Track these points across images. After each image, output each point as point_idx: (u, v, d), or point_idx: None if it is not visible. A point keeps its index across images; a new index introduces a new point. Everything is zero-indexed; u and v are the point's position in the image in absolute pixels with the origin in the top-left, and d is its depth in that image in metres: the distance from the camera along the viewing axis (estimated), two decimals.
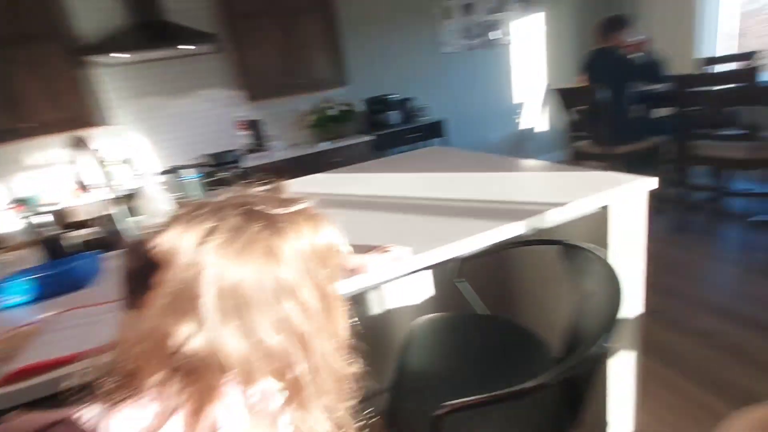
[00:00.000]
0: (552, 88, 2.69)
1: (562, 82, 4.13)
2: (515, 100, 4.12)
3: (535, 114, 4.25)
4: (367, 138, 2.98)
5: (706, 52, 3.50)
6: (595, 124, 2.49)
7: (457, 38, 3.69)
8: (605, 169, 2.46)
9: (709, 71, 3.05)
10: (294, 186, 1.62)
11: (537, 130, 4.31)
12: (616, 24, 2.52)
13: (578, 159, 2.75)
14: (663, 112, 2.75)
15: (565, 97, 2.60)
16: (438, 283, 1.36)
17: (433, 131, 3.30)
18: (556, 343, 0.88)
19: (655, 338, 1.55)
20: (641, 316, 1.12)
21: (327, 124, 3.01)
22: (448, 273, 1.32)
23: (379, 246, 0.83)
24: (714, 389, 1.30)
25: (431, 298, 1.37)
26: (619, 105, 2.47)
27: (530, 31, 3.98)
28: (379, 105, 3.22)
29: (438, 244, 0.83)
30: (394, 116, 3.20)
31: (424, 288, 1.35)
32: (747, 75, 1.82)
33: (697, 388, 1.31)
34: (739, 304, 1.67)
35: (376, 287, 1.20)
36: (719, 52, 3.51)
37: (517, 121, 4.20)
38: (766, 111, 2.70)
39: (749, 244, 2.10)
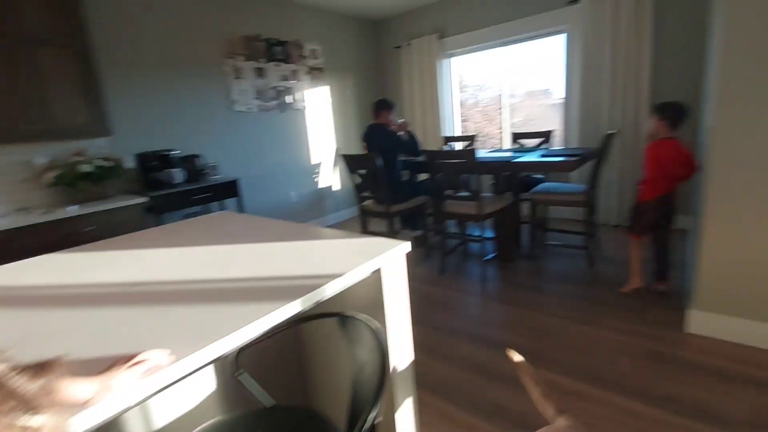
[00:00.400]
0: (339, 153, 2.98)
1: (351, 148, 4.71)
2: (313, 161, 4.39)
3: (331, 174, 4.63)
4: (139, 200, 2.50)
5: (447, 132, 4.71)
6: (375, 187, 2.87)
7: (251, 99, 3.70)
8: (387, 225, 2.81)
9: (447, 148, 4.09)
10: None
11: (334, 188, 4.68)
12: (383, 106, 3.06)
13: (365, 216, 3.09)
14: (424, 176, 3.47)
15: (349, 163, 2.92)
16: (219, 379, 1.18)
17: (225, 191, 3.09)
18: (342, 419, 0.87)
19: (431, 373, 1.79)
20: (412, 362, 1.26)
21: (77, 182, 2.38)
22: (226, 367, 1.17)
23: (125, 356, 0.64)
24: (479, 410, 1.56)
25: (212, 398, 1.17)
26: (391, 171, 2.95)
27: (320, 100, 4.41)
28: (155, 161, 2.80)
29: (207, 339, 0.70)
30: (176, 174, 2.84)
31: (202, 389, 1.15)
32: (468, 153, 2.49)
33: (467, 413, 1.55)
34: (483, 328, 2.14)
35: (129, 409, 0.93)
36: (456, 132, 4.80)
37: (315, 180, 4.45)
38: (482, 178, 3.71)
39: (485, 277, 2.78)
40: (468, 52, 4.43)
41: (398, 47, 4.82)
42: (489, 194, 2.96)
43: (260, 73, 3.77)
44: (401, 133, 3.13)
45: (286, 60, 3.98)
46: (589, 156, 2.75)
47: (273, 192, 3.98)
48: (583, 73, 3.56)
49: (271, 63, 3.86)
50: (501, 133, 4.44)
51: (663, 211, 2.19)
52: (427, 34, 4.51)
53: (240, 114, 3.64)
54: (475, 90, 4.93)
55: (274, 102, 3.91)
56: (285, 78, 3.99)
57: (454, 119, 4.75)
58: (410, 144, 2.99)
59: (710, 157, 1.75)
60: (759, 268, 1.71)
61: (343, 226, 4.47)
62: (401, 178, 3.06)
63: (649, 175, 2.18)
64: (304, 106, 4.22)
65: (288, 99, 4.01)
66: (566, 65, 3.77)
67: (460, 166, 2.55)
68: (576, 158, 2.53)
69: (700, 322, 1.89)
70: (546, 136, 3.58)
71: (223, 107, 3.52)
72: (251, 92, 3.70)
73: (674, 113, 2.08)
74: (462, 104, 4.86)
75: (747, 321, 1.78)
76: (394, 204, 2.92)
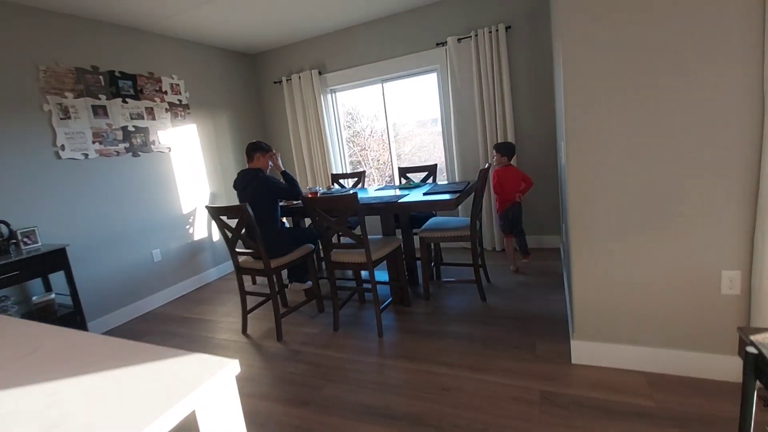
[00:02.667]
0: (207, 206, 2.53)
1: (229, 191, 4.21)
2: (185, 210, 3.77)
3: (208, 223, 4.04)
4: None
5: (336, 168, 4.54)
6: (252, 240, 2.48)
7: (87, 143, 3.02)
8: (269, 283, 2.41)
9: (336, 187, 3.89)
10: None
11: (215, 238, 4.10)
12: (256, 148, 2.72)
13: (243, 273, 2.65)
14: (309, 222, 3.17)
15: (215, 215, 2.49)
16: None
17: (44, 264, 2.37)
18: None
19: None
20: None
21: None
22: None
23: None
24: None
25: None
26: (269, 221, 2.60)
27: (189, 140, 3.86)
28: None
29: None
30: None
31: None
32: (350, 198, 2.28)
33: None
34: (381, 397, 1.88)
35: None
36: (346, 168, 4.65)
37: (189, 231, 3.83)
38: (370, 217, 3.54)
39: (383, 328, 2.55)
40: (350, 88, 4.38)
41: (278, 82, 4.56)
42: (378, 237, 2.79)
43: (100, 111, 3.12)
44: (277, 176, 2.81)
45: (136, 96, 3.39)
46: (469, 190, 2.79)
47: (126, 254, 3.26)
48: (456, 110, 3.73)
49: (117, 99, 3.24)
50: (389, 164, 4.42)
51: (513, 215, 3.21)
52: (308, 69, 4.35)
53: (71, 163, 2.93)
54: (366, 122, 4.90)
55: (123, 145, 3.27)
56: (138, 116, 3.39)
57: (344, 155, 4.62)
58: (287, 189, 2.69)
59: (568, 192, 1.81)
60: (621, 292, 1.79)
61: (228, 283, 3.90)
62: (281, 227, 2.72)
63: (498, 196, 3.26)
64: (169, 148, 3.64)
65: (139, 140, 3.40)
66: (441, 102, 3.93)
67: (344, 210, 2.34)
68: (457, 194, 2.52)
69: (582, 351, 1.92)
70: (431, 170, 3.62)
71: (46, 155, 2.78)
72: (87, 135, 3.02)
73: (508, 149, 3.21)
74: (353, 137, 4.76)
75: (621, 346, 1.84)
76: (274, 258, 2.56)
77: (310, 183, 4.58)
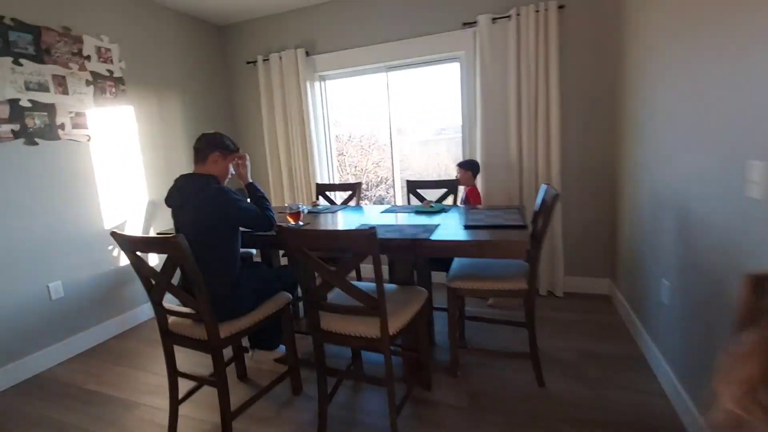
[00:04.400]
0: (113, 232, 1.52)
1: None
2: (107, 224, 2.70)
3: None
4: None
5: (322, 177, 3.58)
6: (188, 293, 1.50)
7: None
8: (215, 362, 1.37)
9: (321, 202, 2.94)
10: None
11: (152, 261, 3.02)
12: (212, 145, 1.72)
13: (173, 341, 1.65)
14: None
15: (129, 248, 1.49)
16: None
17: None
18: None
19: None
20: None
21: None
22: None
23: None
24: None
25: None
26: (222, 262, 1.62)
27: (122, 128, 2.80)
28: None
29: None
30: None
31: None
32: (367, 237, 1.37)
33: None
34: None
35: None
36: (333, 176, 3.69)
37: (113, 254, 2.75)
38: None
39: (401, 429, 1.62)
40: (345, 76, 3.46)
41: (253, 62, 3.57)
42: (390, 286, 1.86)
43: None
44: (240, 192, 1.85)
45: (39, 58, 2.33)
46: (530, 222, 1.92)
47: (6, 290, 2.16)
48: (484, 111, 2.88)
49: (4, 59, 2.17)
50: (392, 177, 3.51)
51: None
52: (292, 47, 3.40)
53: None
54: (357, 122, 3.98)
55: (9, 126, 2.19)
56: (39, 87, 2.32)
57: (332, 160, 3.67)
58: (256, 214, 1.71)
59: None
60: None
61: None
62: (239, 271, 1.71)
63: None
64: (88, 136, 2.57)
65: (38, 122, 2.32)
66: (463, 100, 3.08)
67: (354, 253, 1.41)
68: (523, 228, 1.65)
69: None
70: (451, 187, 2.74)
71: None
72: None
73: (474, 166, 2.83)
74: (339, 139, 3.83)
75: None
76: (225, 320, 1.58)
77: (288, 198, 3.59)
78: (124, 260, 2.80)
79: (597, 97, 2.70)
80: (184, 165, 3.28)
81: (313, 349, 1.63)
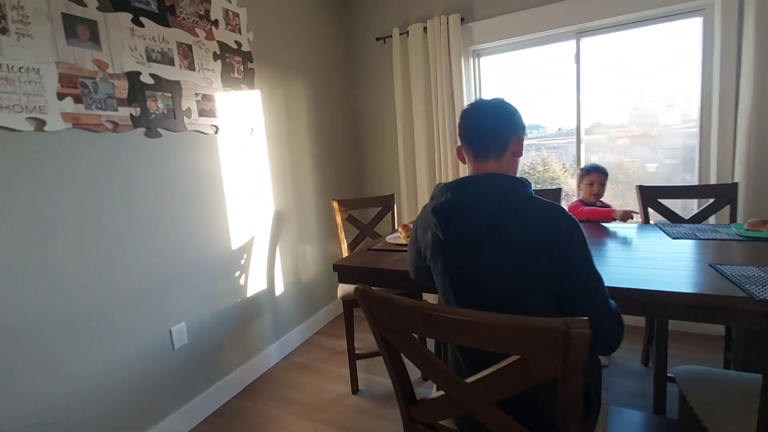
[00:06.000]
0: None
1: (296, 209, 2.47)
2: (236, 242, 2.05)
3: (267, 262, 2.31)
4: None
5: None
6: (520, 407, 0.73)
7: (49, 96, 1.32)
8: None
9: None
10: None
11: (277, 291, 2.36)
12: (519, 121, 0.97)
13: None
14: None
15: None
16: None
17: None
18: None
19: None
20: None
21: None
22: None
23: None
24: None
25: None
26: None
27: (249, 116, 2.15)
28: None
29: None
30: None
31: None
32: None
33: None
34: None
35: None
36: None
37: (241, 281, 2.09)
38: None
39: None
40: (513, 48, 2.65)
41: (383, 39, 2.86)
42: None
43: (82, 32, 1.42)
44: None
45: (163, 18, 1.70)
46: None
47: (118, 340, 1.52)
48: (745, 87, 1.95)
49: (121, 15, 1.55)
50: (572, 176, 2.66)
51: None
52: (439, 14, 2.63)
53: None
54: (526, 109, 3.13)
55: (127, 110, 1.56)
56: (162, 57, 1.69)
57: None
58: (599, 282, 0.85)
59: None
60: None
61: (294, 374, 2.12)
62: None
63: None
64: (216, 127, 1.93)
65: (161, 105, 1.69)
66: (702, 71, 2.17)
67: None
68: None
69: None
70: (729, 194, 1.84)
71: None
72: (47, 77, 1.32)
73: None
74: None
75: None
76: None
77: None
78: (252, 288, 2.14)
79: None
80: (309, 168, 2.61)
81: None
